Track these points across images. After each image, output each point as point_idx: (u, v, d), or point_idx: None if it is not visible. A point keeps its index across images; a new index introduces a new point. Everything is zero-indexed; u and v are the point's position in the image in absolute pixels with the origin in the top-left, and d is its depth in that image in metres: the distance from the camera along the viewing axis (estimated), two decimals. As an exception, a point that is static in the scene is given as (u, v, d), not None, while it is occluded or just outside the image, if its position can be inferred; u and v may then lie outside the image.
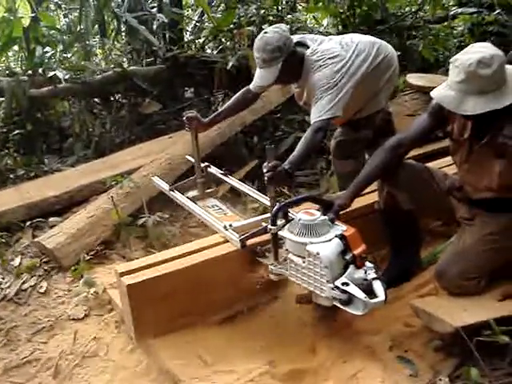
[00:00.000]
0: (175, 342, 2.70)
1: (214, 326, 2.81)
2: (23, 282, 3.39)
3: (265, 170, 2.75)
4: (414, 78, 4.83)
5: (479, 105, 2.30)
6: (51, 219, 3.98)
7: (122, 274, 2.72)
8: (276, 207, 2.63)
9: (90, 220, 3.74)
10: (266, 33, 3.08)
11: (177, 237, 3.87)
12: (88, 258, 3.58)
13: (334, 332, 2.69)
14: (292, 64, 3.11)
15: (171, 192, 3.46)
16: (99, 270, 3.50)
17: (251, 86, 3.32)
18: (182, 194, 3.43)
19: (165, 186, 3.52)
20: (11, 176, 4.76)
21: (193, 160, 3.54)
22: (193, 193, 3.47)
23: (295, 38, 3.25)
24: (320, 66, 3.08)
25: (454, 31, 6.14)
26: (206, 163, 3.63)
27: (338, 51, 3.14)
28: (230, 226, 2.91)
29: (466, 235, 2.70)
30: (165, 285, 2.70)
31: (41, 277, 3.45)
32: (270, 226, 2.62)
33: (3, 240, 3.76)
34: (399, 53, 5.26)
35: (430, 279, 2.82)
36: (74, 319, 3.12)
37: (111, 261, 3.63)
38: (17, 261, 3.58)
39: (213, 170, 3.60)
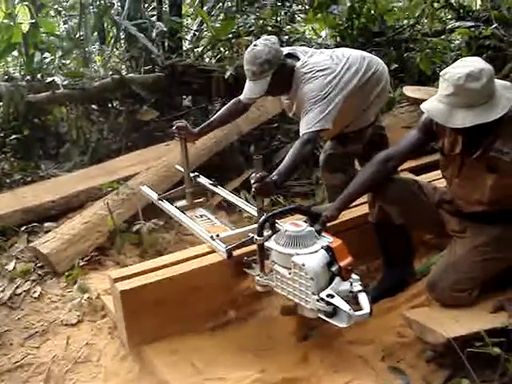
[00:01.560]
0: (167, 349, 2.70)
1: (207, 334, 2.82)
2: (17, 287, 3.38)
3: (252, 181, 2.75)
4: (411, 91, 4.85)
5: (468, 118, 2.31)
6: (46, 224, 3.97)
7: (116, 280, 2.73)
8: (262, 218, 2.63)
9: (85, 226, 3.74)
10: (255, 45, 3.07)
11: (171, 244, 3.87)
12: (82, 263, 3.57)
13: (327, 341, 2.69)
14: (282, 76, 3.10)
15: (159, 201, 3.46)
16: (93, 275, 3.51)
17: (241, 97, 3.31)
18: (171, 203, 3.42)
19: (153, 196, 3.52)
20: (7, 180, 4.75)
21: (182, 169, 3.54)
22: (182, 202, 3.47)
23: (286, 49, 3.25)
24: (310, 78, 3.07)
25: (452, 45, 6.16)
26: (196, 173, 3.63)
27: (328, 64, 3.13)
28: (217, 236, 2.91)
29: (457, 247, 2.70)
30: (158, 291, 2.70)
31: (35, 281, 3.45)
32: (256, 237, 2.61)
33: (-2, 244, 3.76)
34: (396, 65, 5.34)
35: (423, 290, 2.82)
36: (66, 324, 3.12)
37: (105, 267, 3.63)
38: (11, 265, 3.57)
39: (202, 179, 3.59)
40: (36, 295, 3.34)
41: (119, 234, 3.76)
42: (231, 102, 3.46)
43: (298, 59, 3.18)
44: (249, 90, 3.15)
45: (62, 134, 5.57)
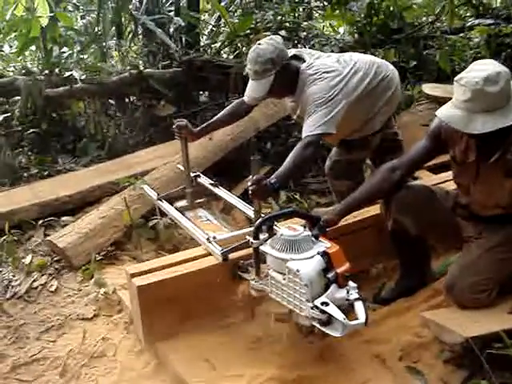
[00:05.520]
0: (183, 345, 2.70)
1: (223, 331, 2.80)
2: (34, 280, 3.40)
3: (249, 184, 2.71)
4: (430, 88, 4.83)
5: (488, 123, 2.26)
6: (63, 218, 4.00)
7: (133, 276, 2.73)
8: (259, 221, 2.56)
9: (102, 220, 3.75)
10: (259, 44, 3.02)
11: (188, 239, 3.85)
12: (99, 258, 3.59)
13: (344, 340, 2.67)
14: (286, 77, 3.04)
15: (159, 201, 3.43)
16: (110, 270, 3.52)
17: (245, 98, 3.24)
18: (171, 203, 3.39)
19: (153, 195, 3.50)
20: (25, 174, 4.77)
21: (183, 169, 3.52)
22: (182, 203, 3.45)
23: (292, 51, 3.19)
24: (315, 80, 3.00)
25: (471, 42, 6.11)
26: (197, 173, 3.61)
27: (335, 66, 3.06)
28: (214, 238, 2.87)
29: (474, 248, 2.66)
30: (175, 287, 2.70)
31: (51, 275, 3.46)
32: (251, 240, 2.54)
33: (15, 238, 3.78)
34: (415, 62, 5.29)
35: (441, 290, 2.80)
36: (83, 319, 3.14)
37: (122, 262, 3.64)
38: (28, 259, 3.58)
39: (202, 179, 3.57)
40: (52, 289, 3.35)
41: (136, 229, 3.76)
42: (234, 102, 3.43)
43: (304, 61, 3.11)
44: (251, 89, 3.10)
45: (80, 128, 5.58)
